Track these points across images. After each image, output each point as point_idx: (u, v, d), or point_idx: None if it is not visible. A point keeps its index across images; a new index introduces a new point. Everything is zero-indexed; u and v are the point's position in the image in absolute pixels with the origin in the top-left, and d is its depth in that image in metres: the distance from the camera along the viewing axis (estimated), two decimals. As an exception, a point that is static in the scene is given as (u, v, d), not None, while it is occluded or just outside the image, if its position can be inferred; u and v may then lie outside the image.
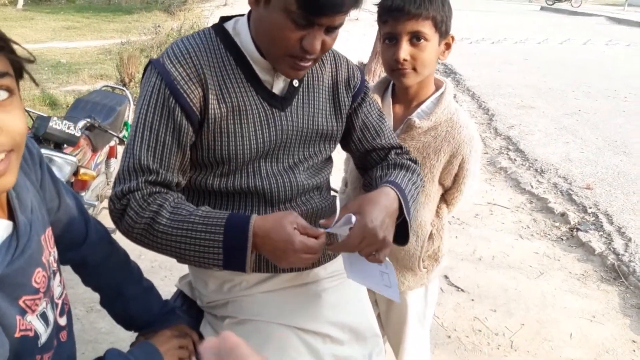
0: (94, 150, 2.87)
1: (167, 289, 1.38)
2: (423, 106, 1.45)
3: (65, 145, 2.46)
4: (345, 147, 1.32)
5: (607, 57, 10.43)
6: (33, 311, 0.81)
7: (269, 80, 1.10)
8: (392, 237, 1.04)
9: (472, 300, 2.84)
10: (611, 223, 3.62)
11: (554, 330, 2.61)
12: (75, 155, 2.47)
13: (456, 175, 1.47)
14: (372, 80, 4.96)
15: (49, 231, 0.90)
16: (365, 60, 6.16)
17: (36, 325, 0.82)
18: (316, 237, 0.98)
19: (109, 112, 3.06)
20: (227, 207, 1.13)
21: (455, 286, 2.94)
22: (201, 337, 1.19)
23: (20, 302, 0.78)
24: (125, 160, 1.04)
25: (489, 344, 2.51)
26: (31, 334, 0.80)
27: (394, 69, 1.37)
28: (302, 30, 0.96)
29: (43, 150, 2.28)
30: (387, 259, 1.07)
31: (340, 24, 0.99)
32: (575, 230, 3.58)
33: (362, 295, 1.32)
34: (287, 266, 1.00)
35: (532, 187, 4.27)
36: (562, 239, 3.52)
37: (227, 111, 1.06)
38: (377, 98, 1.48)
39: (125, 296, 1.14)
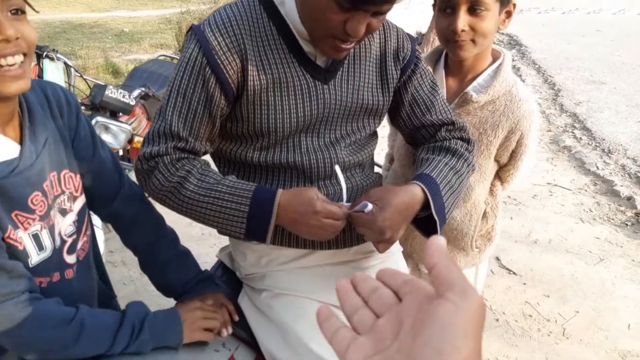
0: (149, 118, 2.94)
1: (215, 258, 1.40)
2: (480, 79, 1.36)
3: (120, 114, 2.53)
4: (393, 122, 1.26)
5: (692, 28, 9.57)
6: (25, 229, 0.90)
7: (312, 52, 1.06)
8: (399, 235, 1.03)
9: (524, 284, 2.73)
10: (683, 210, 3.36)
11: (611, 319, 2.48)
12: (130, 124, 2.54)
13: (513, 151, 1.38)
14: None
15: (65, 173, 1.00)
16: (424, 30, 5.94)
17: (26, 242, 0.91)
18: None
19: (164, 81, 3.11)
20: (265, 181, 1.11)
21: (507, 269, 2.83)
22: (238, 308, 1.20)
23: (13, 216, 0.88)
24: (156, 122, 1.04)
25: (540, 330, 2.42)
26: (20, 247, 0.90)
27: (450, 39, 1.28)
28: (346, 13, 0.91)
29: (99, 118, 2.36)
30: None
31: (389, 9, 0.93)
32: (642, 215, 3.36)
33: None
34: (307, 232, 1.00)
35: (597, 168, 4.02)
36: (627, 225, 3.31)
37: (267, 83, 1.03)
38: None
39: (160, 259, 1.17)
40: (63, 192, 0.99)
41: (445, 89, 1.39)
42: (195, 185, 1.01)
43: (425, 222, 1.08)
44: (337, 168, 1.05)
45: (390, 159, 1.59)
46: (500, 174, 1.45)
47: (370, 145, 1.20)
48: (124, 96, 2.42)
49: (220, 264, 1.34)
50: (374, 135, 1.22)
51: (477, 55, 1.33)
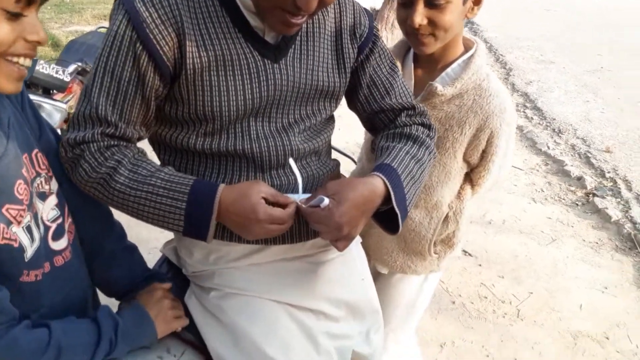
0: (89, 96, 2.72)
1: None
2: (449, 70, 1.26)
3: (54, 91, 2.32)
4: (351, 105, 1.16)
5: None
6: (19, 223, 0.83)
7: (259, 27, 0.94)
8: (358, 231, 0.95)
9: (480, 265, 2.74)
10: (630, 190, 3.46)
11: (564, 300, 2.52)
12: (66, 102, 2.33)
13: (484, 151, 1.28)
14: (385, 29, 4.68)
15: (36, 152, 0.90)
16: (378, 5, 5.83)
17: (21, 237, 0.83)
18: (285, 207, 0.91)
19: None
20: (211, 171, 1.00)
21: (463, 250, 2.83)
22: (185, 309, 1.09)
23: (4, 211, 0.80)
24: (82, 104, 0.92)
25: (495, 311, 2.43)
26: (15, 244, 0.82)
27: (410, 33, 1.19)
28: None
29: (31, 96, 2.15)
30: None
31: None
32: (591, 195, 3.44)
33: (362, 268, 1.20)
34: (252, 238, 0.94)
35: (548, 148, 4.09)
36: (577, 205, 3.38)
37: (209, 60, 0.91)
38: (398, 62, 1.29)
39: (105, 252, 1.08)
40: (38, 175, 0.90)
41: (413, 81, 1.29)
42: (127, 177, 0.90)
43: (385, 215, 1.00)
44: (292, 161, 0.95)
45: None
46: (472, 176, 1.35)
47: (327, 130, 1.10)
48: (57, 72, 2.22)
49: (165, 260, 1.23)
50: (330, 119, 1.13)
51: (447, 45, 1.23)
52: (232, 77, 0.93)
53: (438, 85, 1.22)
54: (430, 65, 1.28)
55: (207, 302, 1.07)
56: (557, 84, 5.49)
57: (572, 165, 3.81)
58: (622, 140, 4.22)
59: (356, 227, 0.92)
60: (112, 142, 0.92)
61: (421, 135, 1.08)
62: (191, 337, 1.07)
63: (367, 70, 1.08)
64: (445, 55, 1.25)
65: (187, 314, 1.08)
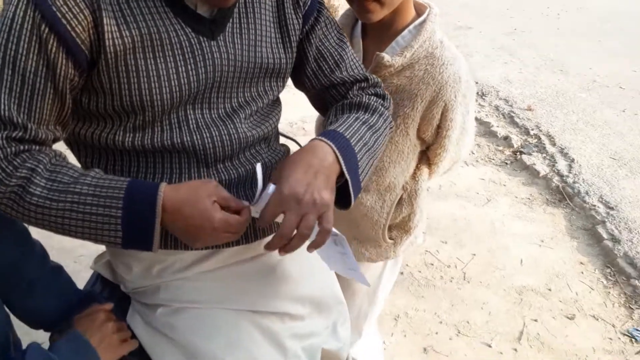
0: None
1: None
2: (398, 38, 1.16)
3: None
4: (297, 83, 1.05)
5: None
6: None
7: (191, 0, 0.81)
8: (332, 197, 0.82)
9: (423, 232, 2.75)
10: (554, 144, 3.61)
11: (505, 258, 2.59)
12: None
13: (439, 127, 1.19)
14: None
15: None
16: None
17: None
18: (239, 212, 0.80)
19: None
20: (146, 171, 0.87)
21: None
22: (129, 328, 0.96)
23: None
24: None
25: (442, 277, 2.45)
26: None
27: (353, 1, 1.10)
28: None
29: None
30: (339, 235, 0.87)
31: None
32: (518, 153, 3.55)
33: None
34: (202, 246, 0.82)
35: (474, 110, 4.18)
36: (507, 163, 3.48)
37: (133, 41, 0.77)
38: (344, 32, 1.16)
39: (25, 280, 0.92)
40: None
41: (361, 53, 1.18)
42: (44, 187, 0.74)
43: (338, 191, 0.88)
44: (259, 167, 0.82)
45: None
46: (428, 155, 1.27)
47: (275, 114, 0.99)
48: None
49: (97, 277, 1.07)
50: (277, 102, 1.02)
51: (396, 11, 1.13)
52: (162, 59, 0.80)
53: (385, 55, 1.13)
54: (379, 34, 1.18)
55: (155, 320, 0.94)
56: (475, 48, 5.62)
57: (498, 126, 3.91)
58: (541, 98, 4.38)
59: (320, 189, 0.79)
60: (21, 148, 0.76)
61: (374, 103, 0.98)
62: (140, 362, 0.94)
63: (313, 41, 0.97)
64: (394, 23, 1.16)
65: (133, 336, 0.95)
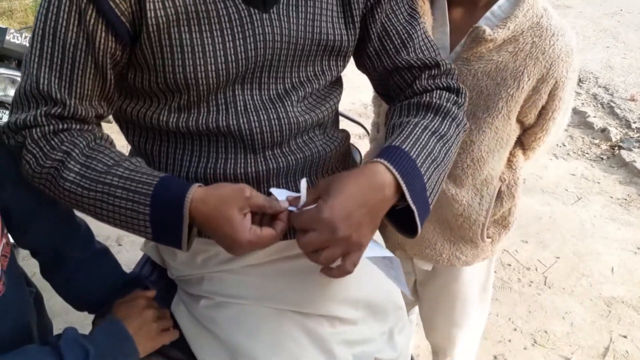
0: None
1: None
2: (494, 7, 0.99)
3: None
4: (358, 64, 0.95)
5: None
6: None
7: None
8: (370, 237, 0.74)
9: (502, 229, 2.57)
10: (659, 140, 3.24)
11: (593, 264, 2.36)
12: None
13: (543, 107, 1.03)
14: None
15: None
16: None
17: None
18: (277, 216, 0.73)
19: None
20: (191, 154, 0.82)
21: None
22: (172, 319, 0.92)
23: None
24: (22, 79, 0.75)
25: (520, 280, 2.27)
26: None
27: None
28: None
29: (2, 70, 1.96)
30: (390, 255, 0.78)
31: None
32: (617, 148, 3.24)
33: (380, 257, 1.02)
34: (236, 255, 0.79)
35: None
36: (602, 159, 3.18)
37: (177, 12, 0.72)
38: (424, 2, 1.02)
39: (70, 262, 0.90)
40: None
41: (448, 26, 1.03)
42: (77, 173, 0.72)
43: (400, 213, 0.79)
44: (304, 183, 0.73)
45: (378, 127, 1.25)
46: (524, 139, 1.11)
47: (333, 97, 0.90)
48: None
49: (147, 260, 1.05)
50: (337, 83, 0.92)
51: None
52: (208, 34, 0.74)
53: (486, 28, 0.96)
54: (469, 3, 1.02)
55: (197, 312, 0.90)
56: (575, 29, 5.17)
57: (595, 117, 3.59)
58: (647, 87, 3.96)
59: (359, 229, 0.71)
60: (61, 126, 0.74)
61: (445, 104, 0.85)
62: (179, 354, 0.90)
63: (378, 17, 0.86)
64: None
65: (176, 325, 0.91)
